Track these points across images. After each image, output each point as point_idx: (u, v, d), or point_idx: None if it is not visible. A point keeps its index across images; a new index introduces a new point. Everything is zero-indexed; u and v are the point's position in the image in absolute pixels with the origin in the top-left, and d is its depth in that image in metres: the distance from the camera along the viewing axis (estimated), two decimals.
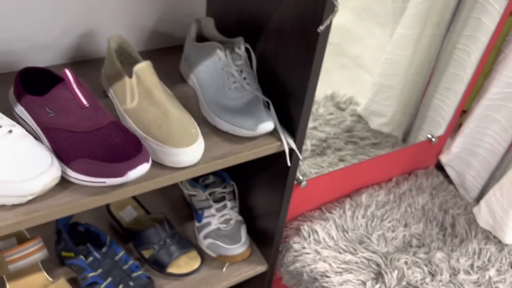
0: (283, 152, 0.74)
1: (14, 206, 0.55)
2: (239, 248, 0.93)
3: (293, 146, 0.73)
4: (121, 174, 0.57)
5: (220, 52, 0.74)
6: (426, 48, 1.22)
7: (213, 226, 0.95)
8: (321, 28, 0.58)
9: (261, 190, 0.92)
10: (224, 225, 0.95)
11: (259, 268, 0.96)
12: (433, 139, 1.19)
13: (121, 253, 0.89)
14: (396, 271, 0.98)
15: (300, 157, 0.74)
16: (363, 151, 1.31)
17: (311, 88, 0.67)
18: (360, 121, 1.46)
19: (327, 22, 0.57)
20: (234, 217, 0.97)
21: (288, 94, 0.72)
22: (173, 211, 1.04)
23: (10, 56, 0.78)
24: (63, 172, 0.59)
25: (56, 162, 0.57)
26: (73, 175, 0.59)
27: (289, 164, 0.74)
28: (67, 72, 0.60)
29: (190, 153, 0.64)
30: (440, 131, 1.23)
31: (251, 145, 0.71)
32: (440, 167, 1.29)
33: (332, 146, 1.30)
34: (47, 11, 0.77)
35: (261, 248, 0.99)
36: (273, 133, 0.73)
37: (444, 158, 1.24)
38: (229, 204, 0.97)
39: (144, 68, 0.68)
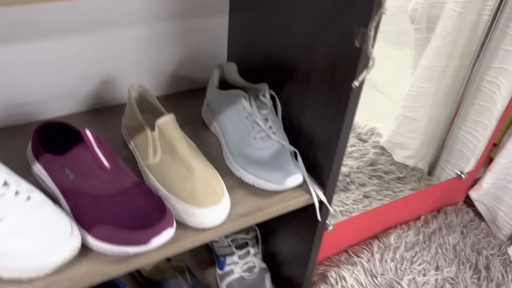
0: (312, 203, 0.70)
1: (31, 280, 0.52)
2: None
3: (324, 199, 0.69)
4: (145, 241, 0.54)
5: (244, 101, 0.71)
6: (452, 79, 1.18)
7: (236, 275, 0.91)
8: (356, 83, 0.54)
9: (286, 236, 0.87)
10: (248, 274, 0.91)
11: None
12: (463, 176, 1.13)
13: None
14: None
15: (331, 210, 0.70)
16: (388, 186, 1.26)
17: (342, 140, 0.64)
18: (383, 153, 1.41)
19: (363, 76, 0.54)
20: (257, 264, 0.93)
21: (317, 143, 0.69)
22: (194, 256, 1.01)
23: (27, 107, 0.76)
24: (83, 239, 0.56)
25: (76, 230, 0.54)
26: (94, 242, 0.55)
27: (319, 219, 0.70)
28: (88, 132, 0.57)
29: (215, 213, 0.60)
30: (469, 165, 1.18)
31: (279, 199, 0.68)
32: (469, 203, 1.23)
33: (355, 181, 1.26)
34: (66, 60, 0.75)
35: None
36: (302, 185, 0.70)
37: (474, 194, 1.19)
38: (252, 250, 0.93)
39: (167, 121, 0.65)
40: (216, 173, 0.65)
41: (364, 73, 0.54)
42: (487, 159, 1.20)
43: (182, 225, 0.61)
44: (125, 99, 0.84)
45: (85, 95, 0.80)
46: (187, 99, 0.87)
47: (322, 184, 0.70)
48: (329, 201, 0.71)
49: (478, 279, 1.03)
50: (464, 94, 1.15)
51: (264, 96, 0.72)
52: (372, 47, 0.53)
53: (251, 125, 0.71)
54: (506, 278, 1.02)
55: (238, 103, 0.72)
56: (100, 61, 0.78)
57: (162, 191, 0.63)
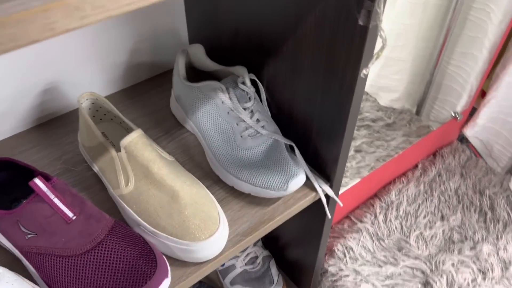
0: (319, 199, 0.61)
1: None
2: None
3: (331, 193, 0.60)
4: None
5: (222, 94, 0.59)
6: (435, 10, 1.07)
7: (238, 269, 0.84)
8: (365, 72, 0.43)
9: (290, 226, 0.79)
10: (251, 266, 0.84)
11: None
12: (458, 116, 1.06)
13: None
14: (444, 277, 0.89)
15: (341, 203, 0.62)
16: (379, 136, 1.19)
17: (350, 127, 0.53)
18: (367, 99, 1.32)
19: (373, 62, 0.43)
20: (260, 253, 0.85)
21: (317, 132, 0.58)
22: None
23: None
24: None
25: None
26: None
27: (329, 216, 0.62)
28: (37, 182, 0.45)
29: (214, 244, 0.51)
30: (461, 101, 1.11)
31: (282, 204, 0.58)
32: (464, 139, 1.18)
33: None
34: None
35: (295, 279, 0.88)
36: (305, 182, 0.60)
37: (469, 131, 1.13)
38: None
39: (134, 141, 0.53)
40: (205, 191, 0.55)
41: (374, 57, 0.43)
42: (480, 93, 1.13)
43: (176, 262, 0.52)
44: (76, 104, 0.70)
45: (27, 110, 0.66)
46: (150, 89, 0.74)
47: (327, 177, 0.61)
48: (337, 193, 0.62)
49: (485, 221, 1.00)
50: (450, 25, 1.05)
51: (244, 83, 0.60)
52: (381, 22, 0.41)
53: (235, 121, 0.59)
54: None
55: (215, 98, 0.60)
56: (38, 67, 0.63)
57: (146, 227, 0.52)
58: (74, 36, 0.63)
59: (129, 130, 0.61)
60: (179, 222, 0.51)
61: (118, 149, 0.55)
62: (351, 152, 1.15)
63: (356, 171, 1.08)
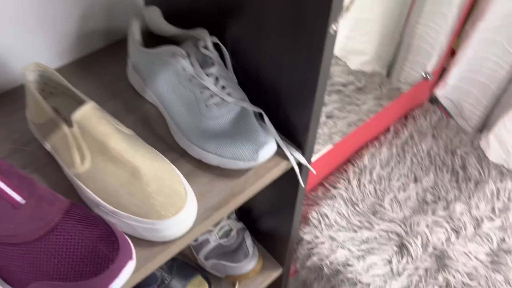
0: (291, 167, 0.58)
1: None
2: (249, 263, 0.80)
3: (304, 161, 0.57)
4: None
5: (182, 60, 0.54)
6: None
7: (212, 244, 0.82)
8: (334, 28, 0.39)
9: (262, 196, 0.77)
10: (225, 239, 0.81)
11: (274, 273, 0.85)
12: (429, 76, 1.05)
13: None
14: (419, 238, 0.89)
15: (314, 171, 0.59)
16: (350, 100, 1.16)
17: (320, 90, 0.50)
18: (337, 63, 1.29)
19: (341, 16, 0.39)
20: (234, 226, 0.83)
21: (286, 98, 0.55)
22: None
23: None
24: None
25: None
26: None
27: (303, 185, 0.59)
28: None
29: (182, 220, 0.47)
30: (431, 61, 1.09)
31: (253, 175, 0.55)
32: (434, 100, 1.17)
33: None
34: None
35: (271, 250, 0.87)
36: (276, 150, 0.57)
37: (439, 92, 1.12)
38: None
39: (87, 115, 0.48)
40: (170, 166, 0.51)
41: (344, 9, 0.39)
42: (450, 52, 1.12)
43: (142, 242, 0.48)
44: (22, 78, 0.64)
45: None
46: (105, 59, 0.68)
47: (298, 145, 0.58)
48: (309, 161, 0.59)
49: (457, 181, 1.00)
50: None
51: (205, 47, 0.56)
52: None
53: (198, 89, 0.55)
54: (483, 174, 1.00)
55: (175, 64, 0.55)
56: None
57: (106, 207, 0.48)
58: (12, 2, 0.57)
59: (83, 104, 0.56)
60: (142, 200, 0.47)
61: (71, 125, 0.50)
62: (323, 118, 1.12)
63: (328, 138, 1.06)
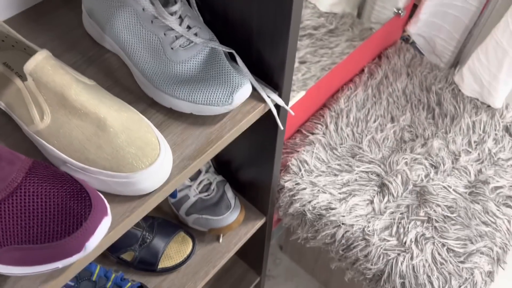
0: (268, 110, 0.55)
1: None
2: (231, 215, 0.78)
3: (282, 103, 0.54)
4: (77, 249, 0.38)
5: None
6: None
7: (192, 199, 0.79)
8: None
9: (239, 144, 0.74)
10: (205, 194, 0.79)
11: (258, 223, 0.84)
12: (401, 13, 1.02)
13: (97, 270, 0.72)
14: (399, 176, 0.89)
15: (292, 112, 0.56)
16: (322, 44, 1.13)
17: (295, 21, 0.47)
18: (307, 6, 1.24)
19: None
20: (213, 179, 0.80)
21: (258, 35, 0.51)
22: None
23: None
24: None
25: None
26: (5, 270, 0.39)
27: (281, 127, 0.57)
28: None
29: (156, 171, 0.44)
30: None
31: (229, 121, 0.52)
32: (406, 39, 1.15)
33: None
34: None
35: (253, 200, 0.85)
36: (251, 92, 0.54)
37: (412, 28, 1.09)
38: (203, 167, 0.80)
39: (41, 64, 0.43)
40: (138, 115, 0.47)
41: None
42: None
43: (117, 198, 0.45)
44: None
45: None
46: (57, 8, 0.62)
47: (274, 85, 0.55)
48: (287, 102, 0.56)
49: (433, 117, 1.00)
50: None
51: None
52: None
53: (162, 31, 0.50)
54: (458, 109, 1.00)
55: (134, 4, 0.50)
56: None
57: (74, 164, 0.44)
58: None
59: None
60: (112, 153, 0.44)
61: (25, 79, 0.46)
62: (296, 64, 1.09)
63: (302, 83, 1.03)
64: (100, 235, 0.39)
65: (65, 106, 0.44)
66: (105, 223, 0.40)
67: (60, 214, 0.39)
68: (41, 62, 0.43)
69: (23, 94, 0.45)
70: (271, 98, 0.54)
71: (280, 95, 0.55)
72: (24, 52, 0.52)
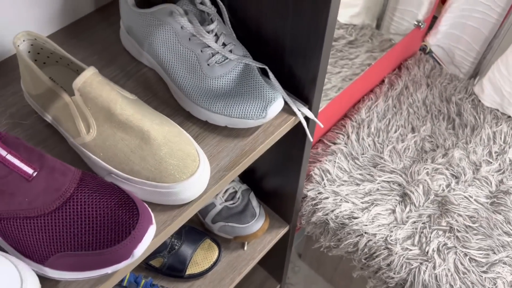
0: (298, 123, 0.58)
1: None
2: (256, 223, 0.80)
3: (311, 116, 0.57)
4: (126, 256, 0.41)
5: (180, 18, 0.52)
6: None
7: (218, 207, 0.81)
8: None
9: (266, 154, 0.76)
10: (231, 202, 0.81)
11: (281, 231, 0.86)
12: (421, 25, 1.03)
13: (127, 276, 0.75)
14: (420, 186, 0.90)
15: (321, 125, 0.59)
16: (342, 55, 1.15)
17: (328, 39, 0.49)
18: None
19: None
20: (238, 188, 0.83)
21: (291, 51, 0.53)
22: None
23: None
24: (42, 275, 0.41)
25: (26, 273, 0.39)
26: (57, 275, 0.41)
27: (311, 139, 0.59)
28: None
29: (196, 182, 0.47)
30: (422, 10, 1.08)
31: (262, 133, 0.54)
32: (425, 49, 1.16)
33: None
34: None
35: (276, 209, 0.87)
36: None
37: (431, 39, 1.11)
38: None
39: (89, 80, 0.46)
40: (178, 128, 0.50)
41: None
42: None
43: (158, 207, 0.48)
44: (13, 50, 0.61)
45: None
46: (96, 24, 0.65)
47: (304, 99, 0.57)
48: (316, 115, 0.58)
49: (453, 128, 1.01)
50: None
51: (202, 3, 0.54)
52: None
53: (199, 48, 0.53)
54: (478, 119, 1.01)
55: (172, 23, 0.53)
56: None
57: (119, 175, 0.47)
58: None
59: (79, 72, 0.53)
60: (155, 165, 0.46)
61: (71, 93, 0.48)
62: None
63: (323, 94, 1.05)
64: (147, 243, 0.42)
65: (111, 120, 0.47)
66: (151, 231, 0.42)
67: (110, 222, 0.41)
68: (89, 78, 0.46)
69: (70, 108, 0.48)
70: (301, 111, 0.56)
71: (310, 108, 0.57)
72: (67, 68, 0.55)
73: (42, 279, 0.41)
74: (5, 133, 0.42)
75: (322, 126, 0.58)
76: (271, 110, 0.52)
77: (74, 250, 0.40)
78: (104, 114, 0.47)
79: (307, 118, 0.58)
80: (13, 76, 0.58)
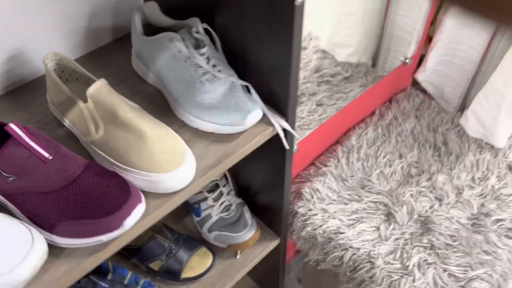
0: (277, 134, 0.67)
1: None
2: (248, 232, 0.88)
3: (287, 127, 0.66)
4: (117, 226, 0.50)
5: (178, 43, 0.64)
6: None
7: (214, 218, 0.90)
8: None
9: (255, 168, 0.85)
10: (226, 213, 0.90)
11: (272, 243, 0.93)
12: (408, 61, 1.14)
13: (129, 275, 0.83)
14: (405, 206, 0.97)
15: (297, 135, 0.68)
16: (338, 89, 1.25)
17: (295, 62, 0.59)
18: (325, 56, 1.39)
19: None
20: (233, 201, 0.91)
21: (268, 72, 0.64)
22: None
23: None
24: (49, 240, 0.50)
25: (37, 235, 0.48)
26: (62, 241, 0.50)
27: (287, 147, 0.68)
28: (13, 127, 0.50)
29: (182, 174, 0.56)
30: (411, 49, 1.18)
31: (243, 140, 0.64)
32: (416, 85, 1.25)
33: (305, 92, 1.24)
34: None
35: (269, 223, 0.95)
36: (262, 118, 0.66)
37: (420, 76, 1.20)
38: (224, 190, 0.91)
39: (99, 89, 0.57)
40: (171, 131, 0.60)
41: None
42: (427, 39, 1.21)
43: (151, 194, 0.57)
44: (43, 71, 0.73)
45: None
46: (112, 52, 0.78)
47: (282, 112, 0.66)
48: (293, 127, 0.68)
49: (439, 155, 1.08)
50: None
51: (197, 32, 0.65)
52: None
53: (193, 68, 0.64)
54: (463, 148, 1.08)
55: (172, 48, 0.64)
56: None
57: (120, 167, 0.57)
58: (31, 4, 0.67)
59: None
60: (148, 158, 0.56)
61: (86, 101, 0.60)
62: (313, 106, 1.21)
63: (318, 123, 1.14)
64: (136, 217, 0.51)
65: (115, 122, 0.57)
66: (140, 208, 0.51)
67: (106, 199, 0.51)
68: (99, 87, 0.57)
69: (84, 113, 0.59)
70: (278, 122, 0.65)
71: (286, 121, 0.66)
72: (86, 84, 0.67)
73: (51, 248, 0.50)
74: (30, 127, 0.53)
75: (297, 136, 0.68)
76: (249, 119, 0.61)
77: (77, 219, 0.49)
78: (110, 116, 0.57)
79: (285, 131, 0.67)
80: (42, 91, 0.70)
